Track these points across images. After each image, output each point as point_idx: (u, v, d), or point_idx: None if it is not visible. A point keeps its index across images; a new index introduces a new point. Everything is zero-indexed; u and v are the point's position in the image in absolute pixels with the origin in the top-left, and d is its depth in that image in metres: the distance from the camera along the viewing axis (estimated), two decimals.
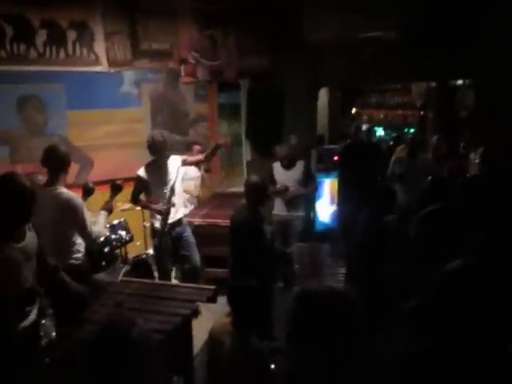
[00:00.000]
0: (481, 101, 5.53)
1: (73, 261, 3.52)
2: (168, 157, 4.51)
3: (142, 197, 4.59)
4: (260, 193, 4.01)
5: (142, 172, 4.51)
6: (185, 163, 4.67)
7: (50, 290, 3.34)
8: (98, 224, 3.58)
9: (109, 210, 3.71)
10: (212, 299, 3.29)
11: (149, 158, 6.00)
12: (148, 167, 4.52)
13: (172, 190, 4.45)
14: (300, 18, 6.05)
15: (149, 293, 3.26)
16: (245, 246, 3.90)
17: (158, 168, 4.49)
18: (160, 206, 4.44)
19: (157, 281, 4.62)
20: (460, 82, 9.62)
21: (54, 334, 3.65)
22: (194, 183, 5.64)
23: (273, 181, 5.26)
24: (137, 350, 1.36)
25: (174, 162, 4.55)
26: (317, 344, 1.26)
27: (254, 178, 4.11)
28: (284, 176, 5.27)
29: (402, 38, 4.98)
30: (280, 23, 6.12)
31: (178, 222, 4.60)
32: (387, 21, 4.44)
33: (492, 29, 4.80)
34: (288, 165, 5.27)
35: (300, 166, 5.31)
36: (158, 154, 4.44)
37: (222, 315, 2.83)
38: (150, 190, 4.50)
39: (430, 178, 3.84)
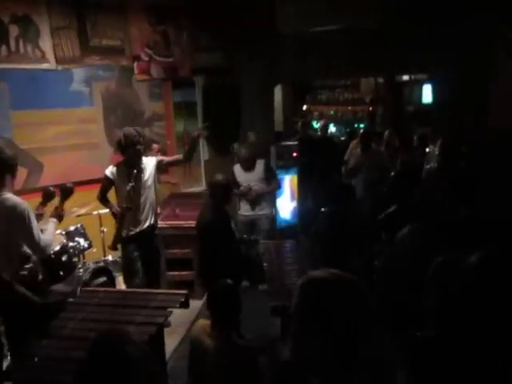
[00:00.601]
0: (441, 95, 5.69)
1: (25, 272, 3.26)
2: (142, 155, 4.20)
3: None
4: (225, 191, 4.01)
5: (109, 172, 4.24)
6: (161, 164, 4.34)
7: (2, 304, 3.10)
8: (47, 232, 3.27)
9: (59, 216, 3.44)
10: (185, 304, 3.18)
11: (104, 159, 5.79)
12: (118, 166, 4.24)
13: (132, 191, 4.17)
14: (255, 12, 5.99)
15: (118, 302, 3.09)
16: (213, 245, 3.83)
17: (129, 167, 4.15)
18: (115, 207, 4.22)
19: (123, 288, 4.42)
20: (406, 77, 9.97)
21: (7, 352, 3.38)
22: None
23: (235, 183, 5.18)
24: (135, 367, 1.23)
25: (149, 163, 4.27)
26: (330, 329, 1.21)
27: (218, 176, 4.07)
28: (246, 177, 5.22)
29: (362, 31, 5.05)
30: (234, 19, 6.03)
31: (149, 227, 4.39)
32: (346, 15, 4.46)
33: (454, 26, 4.93)
34: (249, 166, 5.22)
35: (260, 165, 5.28)
36: (128, 151, 4.12)
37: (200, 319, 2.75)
38: (118, 190, 4.23)
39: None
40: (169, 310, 2.96)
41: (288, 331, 1.34)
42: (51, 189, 3.57)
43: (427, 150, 5.23)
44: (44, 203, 3.52)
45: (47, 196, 3.53)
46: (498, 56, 4.64)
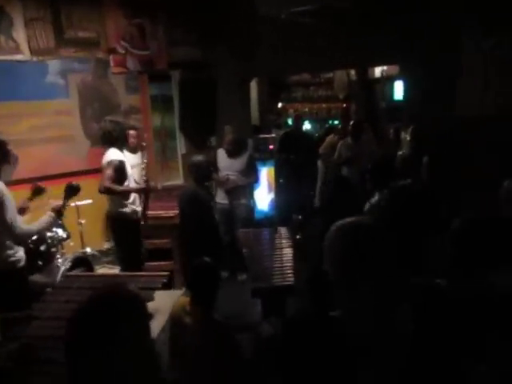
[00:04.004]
0: (411, 88, 5.87)
1: (8, 261, 3.25)
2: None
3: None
4: (204, 169, 4.29)
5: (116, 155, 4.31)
6: None
7: None
8: (36, 223, 3.35)
9: (59, 212, 3.46)
10: (167, 285, 3.22)
11: (80, 152, 5.75)
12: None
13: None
14: (231, 7, 6.06)
15: (100, 285, 3.09)
16: (191, 218, 3.96)
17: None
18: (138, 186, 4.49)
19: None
20: (378, 75, 10.19)
21: None
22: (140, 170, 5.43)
23: (215, 167, 5.24)
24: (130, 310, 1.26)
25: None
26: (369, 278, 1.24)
27: (197, 156, 4.42)
28: (228, 164, 5.28)
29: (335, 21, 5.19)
30: (210, 13, 6.08)
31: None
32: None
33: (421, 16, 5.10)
34: (232, 152, 5.28)
35: (245, 156, 5.36)
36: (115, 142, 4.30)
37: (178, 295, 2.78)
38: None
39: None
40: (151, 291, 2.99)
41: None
42: (42, 186, 3.58)
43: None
44: (31, 198, 3.54)
45: (36, 192, 3.54)
46: (464, 46, 4.85)
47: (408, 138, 4.69)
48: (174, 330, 2.62)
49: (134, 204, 4.42)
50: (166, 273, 3.20)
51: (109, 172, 4.17)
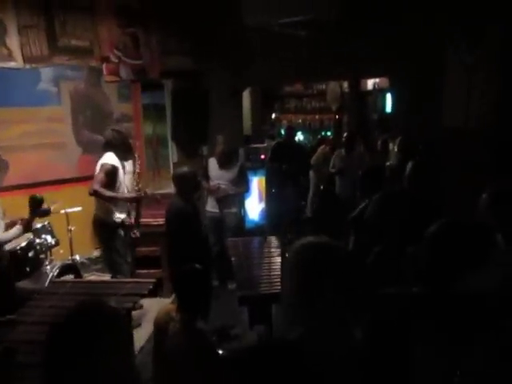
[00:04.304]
0: (399, 99, 5.96)
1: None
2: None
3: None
4: (188, 181, 4.10)
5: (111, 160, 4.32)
6: None
7: None
8: (6, 233, 3.39)
9: (27, 226, 3.45)
10: (153, 292, 3.22)
11: (71, 159, 5.75)
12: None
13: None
14: (225, 17, 6.13)
15: (86, 291, 3.10)
16: (181, 232, 3.91)
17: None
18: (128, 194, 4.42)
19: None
20: (371, 87, 10.30)
21: None
22: (132, 178, 5.43)
23: (206, 176, 5.25)
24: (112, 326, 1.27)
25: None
26: (330, 297, 1.28)
27: (181, 168, 4.26)
28: (219, 173, 5.29)
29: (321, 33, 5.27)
30: (203, 22, 6.14)
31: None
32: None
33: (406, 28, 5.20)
34: (224, 163, 5.29)
35: (236, 166, 5.37)
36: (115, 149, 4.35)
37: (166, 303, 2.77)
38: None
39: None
40: (137, 297, 3.00)
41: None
42: (38, 196, 3.48)
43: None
44: (33, 211, 3.42)
45: (34, 202, 3.43)
46: (448, 58, 4.94)
47: (396, 149, 4.74)
48: (157, 337, 2.61)
49: (120, 211, 4.41)
50: (152, 279, 3.20)
51: (100, 175, 4.18)
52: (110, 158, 4.28)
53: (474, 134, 4.36)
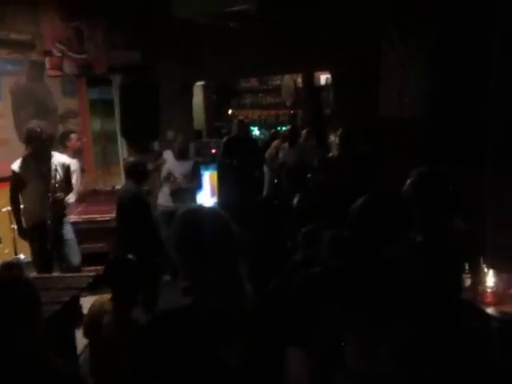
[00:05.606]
0: (341, 90, 6.10)
1: None
2: (47, 149, 4.26)
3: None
4: (139, 167, 4.28)
5: (16, 166, 4.15)
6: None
7: None
8: None
9: None
10: (93, 286, 3.19)
11: (14, 156, 5.57)
12: (24, 161, 4.20)
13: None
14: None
15: None
16: (131, 218, 3.97)
17: (35, 161, 4.20)
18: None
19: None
20: (324, 82, 10.47)
21: None
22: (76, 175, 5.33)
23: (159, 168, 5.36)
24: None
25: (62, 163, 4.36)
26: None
27: (132, 157, 4.53)
28: (175, 165, 5.35)
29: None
30: (152, 15, 6.07)
31: (59, 220, 4.34)
32: None
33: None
34: (179, 155, 5.33)
35: (191, 162, 5.49)
36: (32, 146, 4.15)
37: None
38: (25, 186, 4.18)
39: None
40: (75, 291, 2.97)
41: None
42: None
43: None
44: None
45: None
46: (383, 49, 5.13)
47: (336, 141, 4.89)
48: (91, 329, 2.59)
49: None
50: (91, 273, 3.17)
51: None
52: (15, 163, 4.20)
53: (408, 122, 4.56)
